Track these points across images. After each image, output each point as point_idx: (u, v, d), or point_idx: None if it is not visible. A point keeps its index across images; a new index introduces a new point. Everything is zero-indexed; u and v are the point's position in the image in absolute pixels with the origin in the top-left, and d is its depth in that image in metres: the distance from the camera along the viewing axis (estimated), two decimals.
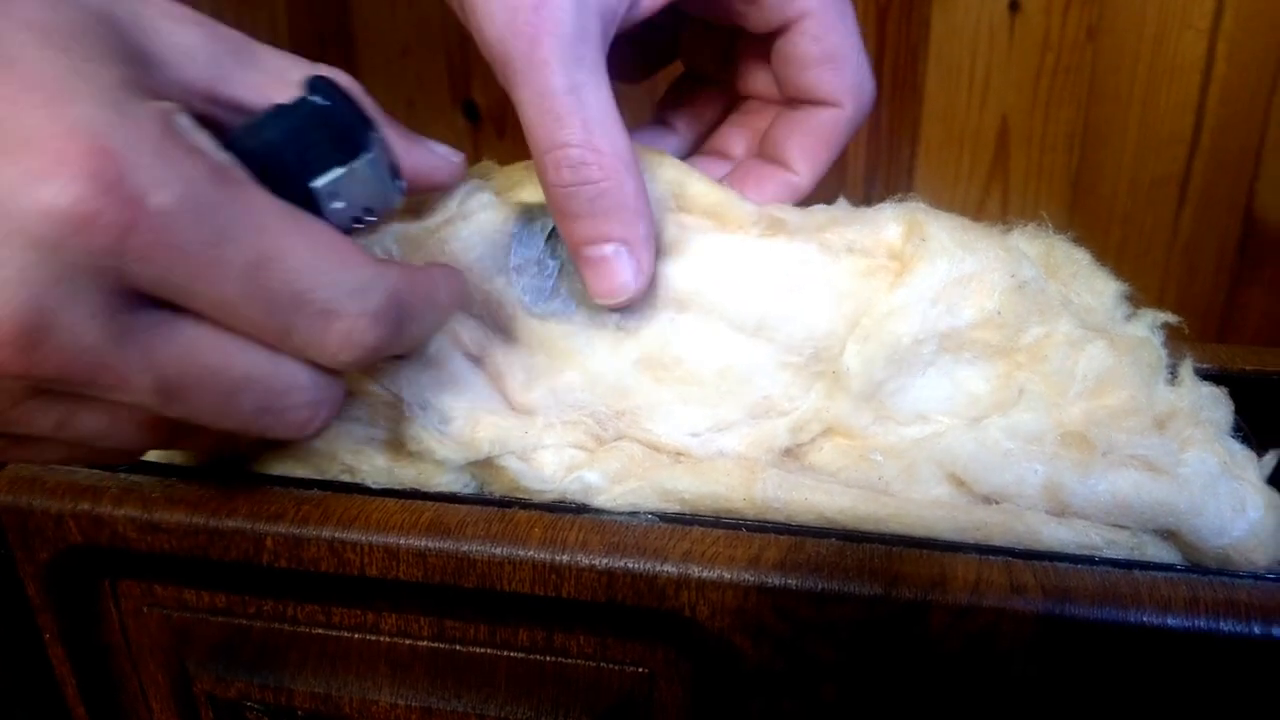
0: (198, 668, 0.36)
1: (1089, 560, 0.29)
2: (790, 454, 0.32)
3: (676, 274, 0.32)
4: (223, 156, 0.23)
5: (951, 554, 0.29)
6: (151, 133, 0.22)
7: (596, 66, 0.30)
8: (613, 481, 0.32)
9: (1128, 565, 0.29)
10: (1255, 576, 0.29)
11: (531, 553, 0.30)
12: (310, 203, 0.25)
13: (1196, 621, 0.28)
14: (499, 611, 0.32)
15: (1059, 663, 0.29)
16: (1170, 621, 0.28)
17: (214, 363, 0.24)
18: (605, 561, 0.30)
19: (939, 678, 0.30)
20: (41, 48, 0.22)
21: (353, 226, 0.27)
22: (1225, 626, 0.28)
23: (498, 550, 0.30)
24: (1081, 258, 0.35)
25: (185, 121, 0.23)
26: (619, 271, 0.31)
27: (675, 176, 0.33)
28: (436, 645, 0.33)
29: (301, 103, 0.25)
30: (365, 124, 0.25)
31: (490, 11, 0.29)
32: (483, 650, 0.33)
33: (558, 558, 0.30)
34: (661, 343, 0.31)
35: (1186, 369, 0.33)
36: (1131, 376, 0.31)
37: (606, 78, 0.30)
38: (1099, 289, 0.35)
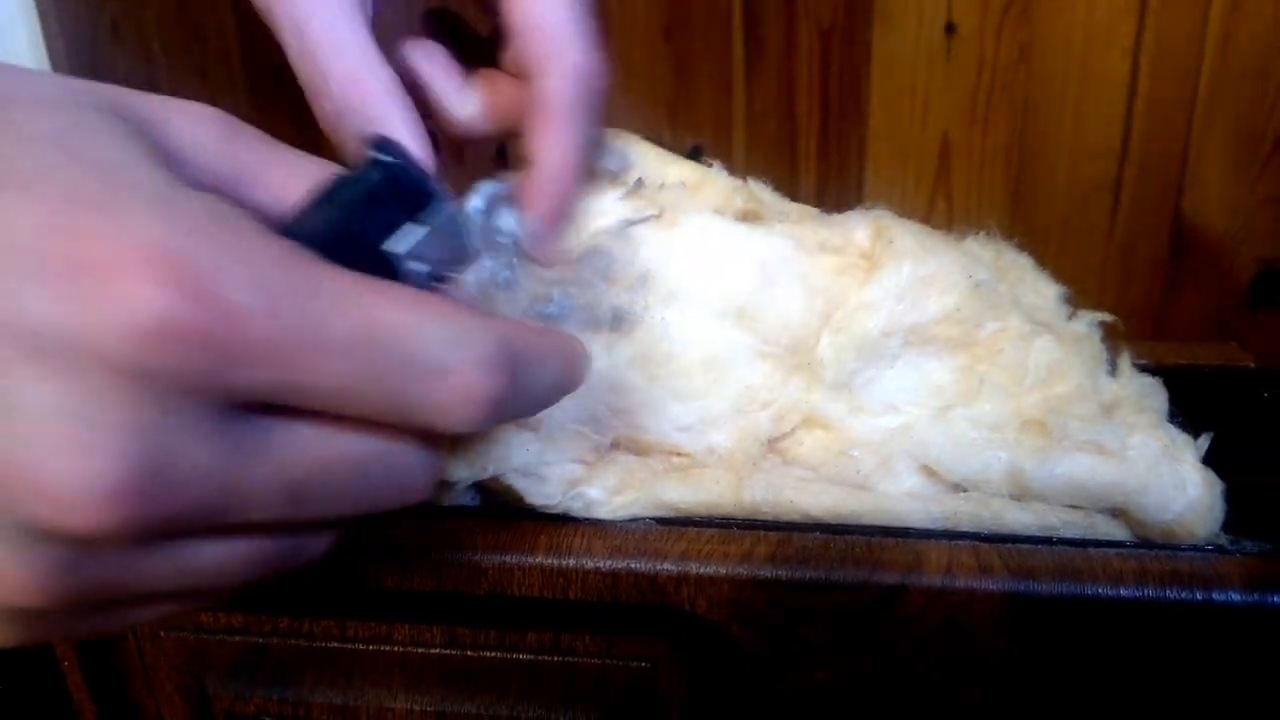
0: (216, 687, 0.37)
1: (1048, 541, 0.32)
2: (773, 447, 0.35)
3: (663, 262, 0.34)
4: (284, 240, 0.21)
5: (925, 541, 0.32)
6: (210, 227, 0.20)
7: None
8: (611, 494, 0.34)
9: (1083, 544, 0.32)
10: (1196, 549, 0.32)
11: (539, 559, 0.32)
12: (386, 268, 0.23)
13: (1146, 591, 0.31)
14: (507, 616, 0.35)
15: (1026, 634, 0.31)
16: (1123, 593, 0.31)
17: (336, 453, 0.22)
18: (609, 564, 0.32)
19: (919, 654, 0.32)
20: (71, 160, 0.20)
21: (432, 286, 0.25)
22: (1171, 594, 0.31)
23: (508, 558, 0.32)
24: (1025, 262, 0.38)
25: (231, 209, 0.21)
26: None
27: (651, 156, 0.36)
28: (448, 652, 0.35)
29: (371, 164, 0.23)
30: (430, 180, 0.24)
31: None
32: (493, 654, 0.35)
33: (564, 562, 0.32)
34: (653, 339, 0.33)
35: (1125, 361, 0.37)
36: (1077, 367, 0.34)
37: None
38: (1042, 290, 0.38)
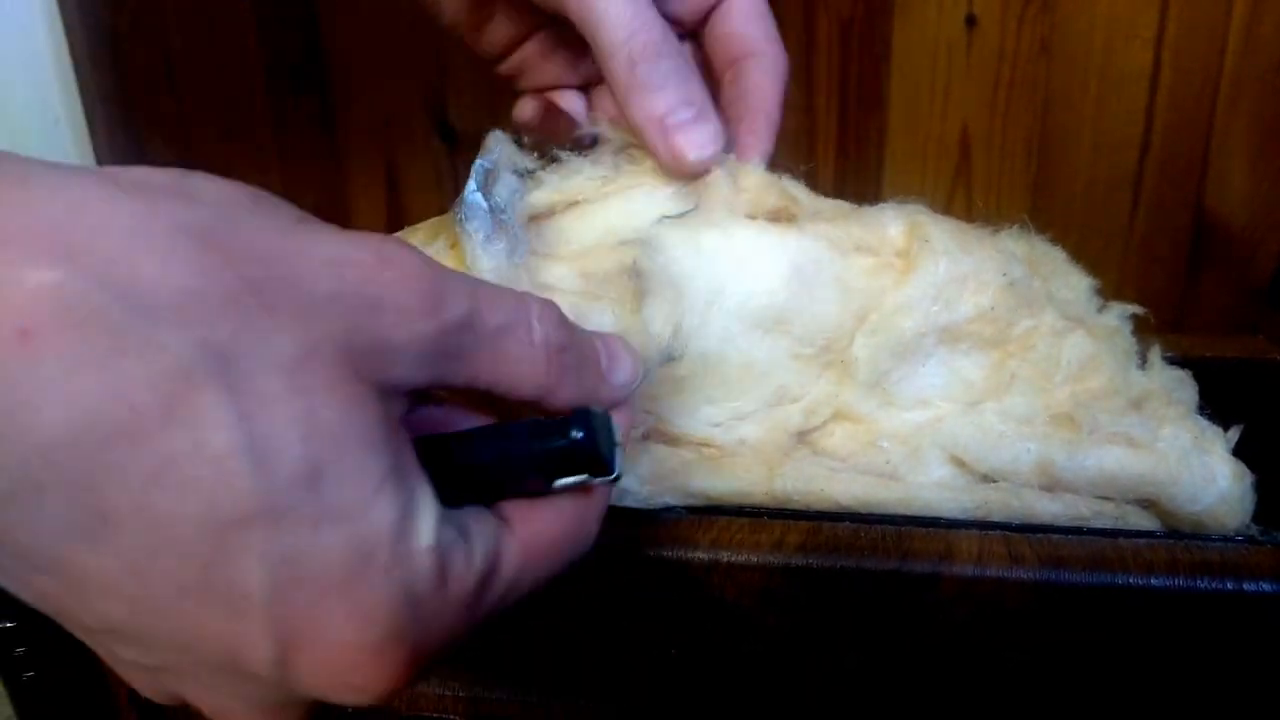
0: None
1: (1079, 531, 0.33)
2: (803, 439, 0.35)
3: (698, 272, 0.34)
4: (476, 560, 0.23)
5: (956, 531, 0.32)
6: (430, 589, 0.21)
7: None
8: (643, 483, 0.34)
9: (1113, 534, 0.32)
10: (1225, 539, 0.33)
11: None
12: (539, 488, 0.25)
13: (1176, 581, 0.31)
14: (539, 603, 0.35)
15: (1057, 624, 0.32)
16: (1154, 583, 0.31)
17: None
18: (640, 551, 0.33)
19: (948, 642, 0.33)
20: (339, 526, 0.20)
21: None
22: (1201, 584, 0.31)
23: None
24: (1058, 255, 0.38)
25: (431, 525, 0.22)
26: (700, 130, 0.35)
27: None
28: (480, 639, 0.36)
29: (573, 428, 0.24)
30: (615, 458, 0.26)
31: None
32: (523, 641, 0.36)
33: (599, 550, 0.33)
34: (690, 353, 0.34)
35: (1155, 354, 0.37)
36: (1109, 361, 0.34)
37: None
38: (1074, 284, 0.38)
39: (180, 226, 0.19)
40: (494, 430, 0.25)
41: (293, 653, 0.20)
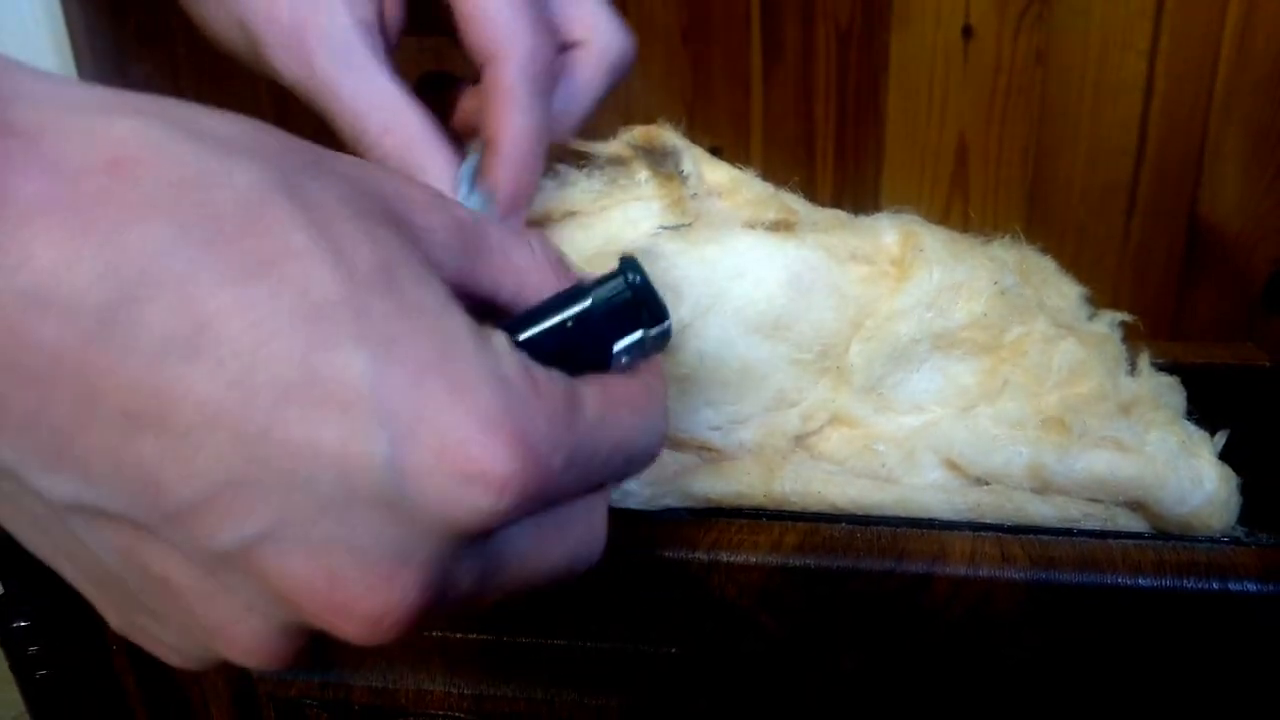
0: (260, 672, 0.39)
1: (1069, 532, 0.33)
2: (801, 442, 0.36)
3: (698, 279, 0.35)
4: (554, 377, 0.22)
5: (949, 532, 0.33)
6: (522, 384, 0.21)
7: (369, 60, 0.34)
8: (645, 486, 0.35)
9: (1103, 535, 0.33)
10: (1212, 540, 0.33)
11: None
12: (604, 358, 0.25)
13: (1164, 581, 0.32)
14: (543, 603, 0.36)
15: (1048, 622, 0.32)
16: (1141, 582, 0.32)
17: (557, 555, 0.24)
18: (641, 551, 0.33)
19: (942, 640, 0.33)
20: (400, 309, 0.20)
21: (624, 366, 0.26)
22: (1188, 584, 0.32)
23: None
24: (1048, 264, 0.39)
25: (500, 338, 0.22)
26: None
27: (695, 155, 0.37)
28: (485, 637, 0.37)
29: (622, 281, 0.25)
30: (665, 302, 0.26)
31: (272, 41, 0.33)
32: (528, 640, 0.36)
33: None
34: (689, 353, 0.35)
35: (1144, 360, 0.38)
36: (1099, 367, 0.35)
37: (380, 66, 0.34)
38: (1065, 292, 0.39)
39: (235, 117, 0.22)
40: (550, 301, 0.25)
41: (404, 445, 0.19)
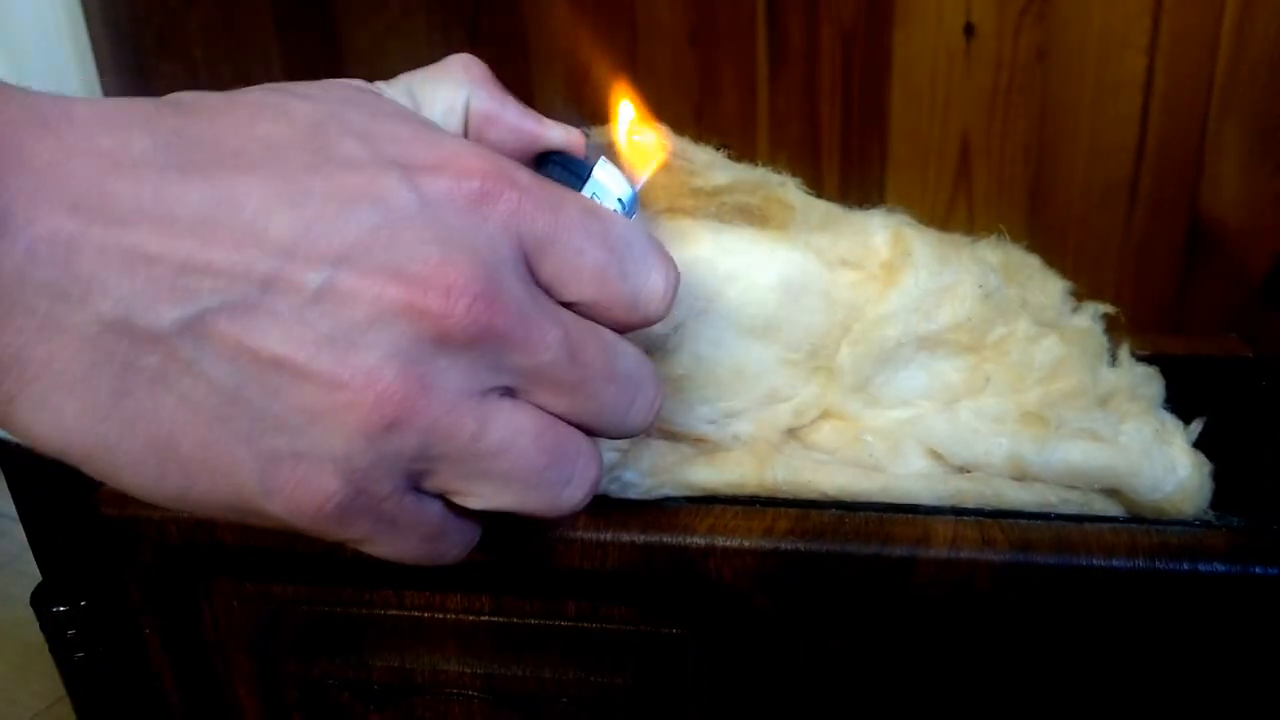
0: (284, 653, 0.41)
1: (1046, 517, 0.35)
2: (793, 434, 0.38)
3: (692, 282, 0.37)
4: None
5: (932, 517, 0.35)
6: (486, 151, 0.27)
7: None
8: (645, 476, 0.37)
9: (1078, 519, 0.35)
10: (1182, 524, 0.35)
11: (579, 534, 0.36)
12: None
13: (1136, 563, 0.33)
14: (550, 586, 0.38)
15: (1026, 602, 0.34)
16: (1115, 564, 0.33)
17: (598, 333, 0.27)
18: (643, 538, 0.35)
19: (925, 620, 0.35)
20: (394, 118, 0.27)
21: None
22: (1160, 565, 0.33)
23: (551, 533, 0.36)
24: (1033, 262, 0.41)
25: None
26: None
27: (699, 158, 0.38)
28: (496, 619, 0.39)
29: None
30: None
31: None
32: (537, 621, 0.38)
33: (602, 536, 0.35)
34: (684, 354, 0.36)
35: (1124, 352, 0.39)
36: (1079, 364, 0.37)
37: None
38: (1049, 289, 0.40)
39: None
40: None
41: (415, 177, 0.25)
